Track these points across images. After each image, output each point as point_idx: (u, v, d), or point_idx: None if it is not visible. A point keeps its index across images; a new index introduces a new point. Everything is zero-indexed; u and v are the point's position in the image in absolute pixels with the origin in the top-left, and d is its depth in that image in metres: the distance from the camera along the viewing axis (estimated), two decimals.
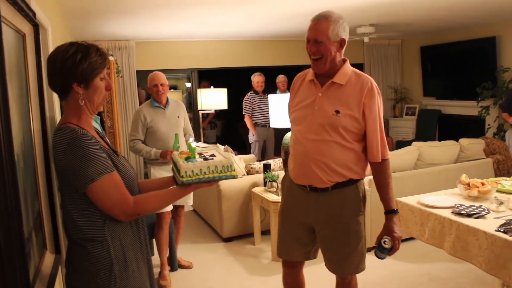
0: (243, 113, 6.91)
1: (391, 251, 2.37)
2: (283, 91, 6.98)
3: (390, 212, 2.39)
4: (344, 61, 2.41)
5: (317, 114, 2.34)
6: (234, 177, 1.79)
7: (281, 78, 7.09)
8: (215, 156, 1.87)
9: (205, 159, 1.80)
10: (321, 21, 2.28)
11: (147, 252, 1.89)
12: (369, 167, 2.48)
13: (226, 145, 5.20)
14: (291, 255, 2.63)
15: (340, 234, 2.45)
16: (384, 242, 2.35)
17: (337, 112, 2.30)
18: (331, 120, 2.30)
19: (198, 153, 1.90)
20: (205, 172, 1.72)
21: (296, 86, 2.54)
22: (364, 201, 2.50)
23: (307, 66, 2.53)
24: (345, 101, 2.32)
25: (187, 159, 1.79)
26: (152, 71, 4.03)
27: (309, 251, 2.60)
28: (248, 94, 6.91)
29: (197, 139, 6.74)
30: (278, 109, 4.45)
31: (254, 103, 6.82)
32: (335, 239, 2.47)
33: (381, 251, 2.37)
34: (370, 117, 2.31)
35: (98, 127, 2.96)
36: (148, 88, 3.94)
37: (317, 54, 2.31)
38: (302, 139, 2.39)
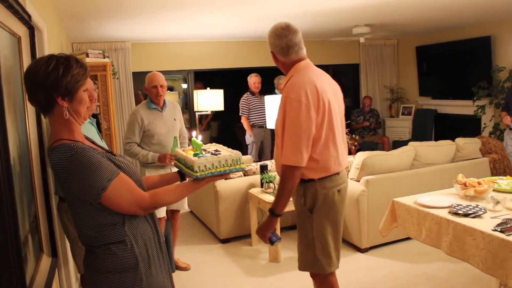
0: (240, 114, 6.91)
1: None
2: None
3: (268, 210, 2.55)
4: (292, 65, 2.55)
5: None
6: (243, 169, 1.90)
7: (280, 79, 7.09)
8: (219, 151, 1.94)
9: (213, 154, 1.87)
10: None
11: (165, 247, 1.93)
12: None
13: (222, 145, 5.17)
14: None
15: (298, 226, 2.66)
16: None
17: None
18: (275, 126, 2.55)
19: (203, 149, 1.96)
20: (216, 166, 1.81)
21: None
22: (310, 201, 2.54)
23: None
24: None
25: (195, 155, 1.85)
26: (148, 72, 3.94)
27: None
28: (245, 95, 6.90)
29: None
30: (275, 110, 4.45)
31: (250, 104, 6.82)
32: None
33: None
34: (283, 122, 2.45)
35: (95, 129, 2.94)
36: (145, 89, 3.83)
37: None
38: None
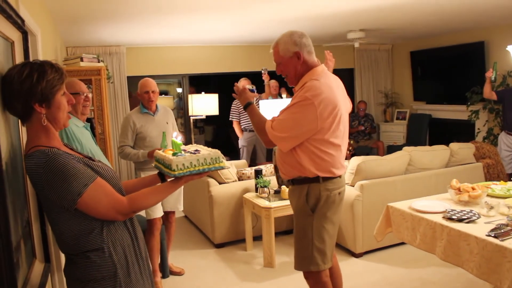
0: (230, 119, 6.91)
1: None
2: (275, 96, 6.99)
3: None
4: (311, 68, 2.62)
5: None
6: (222, 168, 1.91)
7: (272, 84, 7.08)
8: (199, 151, 1.93)
9: (192, 153, 1.87)
10: (274, 46, 2.65)
11: (146, 252, 1.90)
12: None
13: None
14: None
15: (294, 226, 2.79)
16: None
17: None
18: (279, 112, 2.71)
19: (182, 149, 1.96)
20: (195, 165, 1.81)
21: None
22: (313, 201, 2.65)
23: None
24: None
25: (174, 154, 1.84)
26: (143, 76, 4.02)
27: None
28: (236, 100, 6.91)
29: (188, 144, 6.70)
30: (268, 114, 4.45)
31: (240, 108, 6.81)
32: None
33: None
34: (288, 109, 2.59)
35: (89, 134, 2.93)
36: (138, 94, 3.92)
37: (283, 74, 2.70)
38: None
